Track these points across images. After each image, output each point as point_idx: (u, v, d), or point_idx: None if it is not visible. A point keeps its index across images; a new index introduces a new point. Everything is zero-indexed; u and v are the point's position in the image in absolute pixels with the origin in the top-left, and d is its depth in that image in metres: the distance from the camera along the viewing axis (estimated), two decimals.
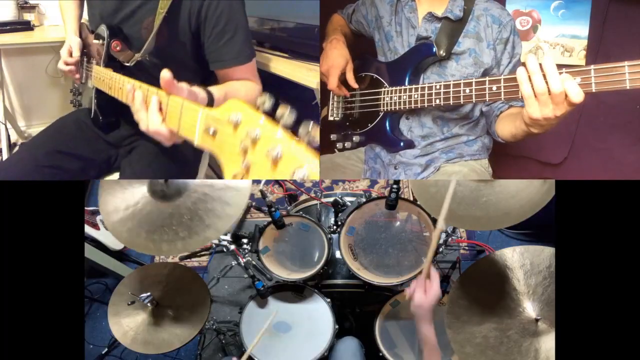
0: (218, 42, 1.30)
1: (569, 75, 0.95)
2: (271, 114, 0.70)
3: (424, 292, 1.08)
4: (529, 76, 0.97)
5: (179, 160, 1.50)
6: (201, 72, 1.42)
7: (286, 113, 0.67)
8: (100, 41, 1.34)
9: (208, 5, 1.26)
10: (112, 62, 1.34)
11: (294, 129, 0.67)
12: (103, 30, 1.32)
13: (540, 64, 0.96)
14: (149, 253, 1.97)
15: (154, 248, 1.16)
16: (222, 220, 1.16)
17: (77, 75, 1.54)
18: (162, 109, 0.94)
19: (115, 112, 1.48)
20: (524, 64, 0.99)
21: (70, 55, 1.48)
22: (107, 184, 1.25)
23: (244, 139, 0.71)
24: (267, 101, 0.71)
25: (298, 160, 0.64)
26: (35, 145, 1.48)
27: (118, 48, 1.31)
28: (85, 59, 1.51)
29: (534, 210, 1.03)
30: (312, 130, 0.64)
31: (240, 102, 0.74)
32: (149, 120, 0.95)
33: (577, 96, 0.94)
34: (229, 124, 0.73)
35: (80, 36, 1.54)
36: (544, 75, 0.96)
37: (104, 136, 1.51)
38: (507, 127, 1.32)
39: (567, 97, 0.95)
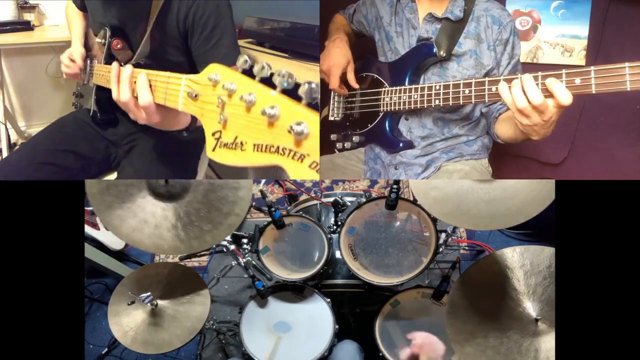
0: (205, 46, 1.31)
1: (555, 79, 0.96)
2: (250, 74, 0.71)
3: None
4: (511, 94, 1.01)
5: (179, 160, 1.51)
6: (196, 72, 1.43)
7: (264, 67, 0.68)
8: (102, 40, 1.35)
9: (195, 10, 1.27)
10: (112, 60, 1.35)
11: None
12: (106, 29, 1.34)
13: (521, 79, 1.00)
14: (180, 254, 1.96)
15: (184, 248, 1.18)
16: (238, 205, 1.19)
17: (80, 78, 1.55)
18: (151, 86, 0.96)
19: (113, 108, 1.49)
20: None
21: (71, 61, 1.49)
22: (98, 194, 1.23)
23: (221, 93, 0.72)
24: (247, 61, 0.72)
25: (271, 101, 0.64)
26: (35, 143, 1.48)
27: (119, 46, 1.32)
28: (89, 61, 1.52)
29: (535, 212, 1.03)
30: (286, 75, 0.64)
31: (219, 65, 0.75)
32: (140, 96, 0.96)
33: (566, 98, 0.95)
34: (209, 84, 0.75)
35: (87, 40, 1.55)
36: (524, 91, 0.98)
37: (103, 133, 1.52)
38: (508, 131, 1.32)
39: (555, 100, 0.96)
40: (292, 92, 0.65)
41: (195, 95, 0.79)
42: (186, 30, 1.30)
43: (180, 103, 0.84)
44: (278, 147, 0.64)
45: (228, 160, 0.72)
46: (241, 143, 0.69)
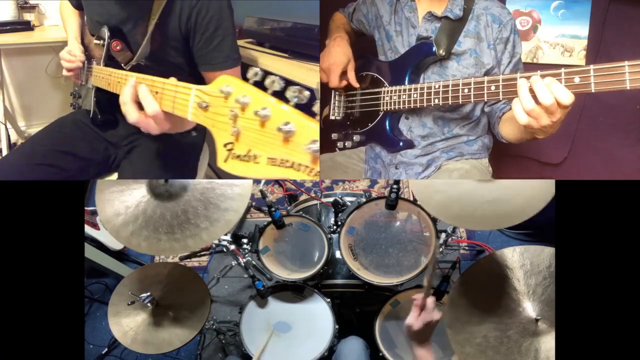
0: (207, 47, 1.32)
1: (553, 79, 0.95)
2: (261, 86, 0.72)
3: (418, 314, 1.11)
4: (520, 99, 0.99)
5: (179, 160, 1.51)
6: (195, 73, 1.43)
7: (275, 80, 0.69)
8: (101, 41, 1.35)
9: (197, 12, 1.27)
10: (112, 62, 1.35)
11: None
12: (104, 31, 1.34)
13: (528, 79, 0.98)
14: (176, 254, 1.96)
15: (179, 247, 1.17)
16: (236, 202, 1.18)
17: (78, 77, 1.55)
18: (157, 93, 0.96)
19: (113, 110, 1.49)
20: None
21: (72, 56, 1.49)
22: (102, 194, 1.23)
23: (233, 106, 0.73)
24: (258, 73, 0.73)
25: (285, 117, 0.65)
26: (33, 144, 1.48)
27: (118, 47, 1.32)
28: (86, 62, 1.52)
29: (534, 211, 1.03)
30: (299, 92, 0.65)
31: (230, 77, 0.76)
32: (147, 106, 0.96)
33: (566, 98, 0.93)
34: (220, 96, 0.75)
35: (83, 40, 1.55)
36: (531, 90, 0.96)
37: (103, 135, 1.51)
38: (512, 131, 1.32)
39: (556, 100, 0.94)
40: (304, 105, 0.67)
41: (206, 106, 0.79)
42: (188, 31, 1.30)
43: (190, 113, 0.85)
44: (293, 163, 0.65)
45: (240, 172, 0.73)
46: (254, 156, 0.70)
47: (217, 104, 0.77)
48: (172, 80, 0.94)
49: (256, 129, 0.69)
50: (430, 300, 1.10)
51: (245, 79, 0.75)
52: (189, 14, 1.27)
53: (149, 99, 0.95)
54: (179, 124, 1.03)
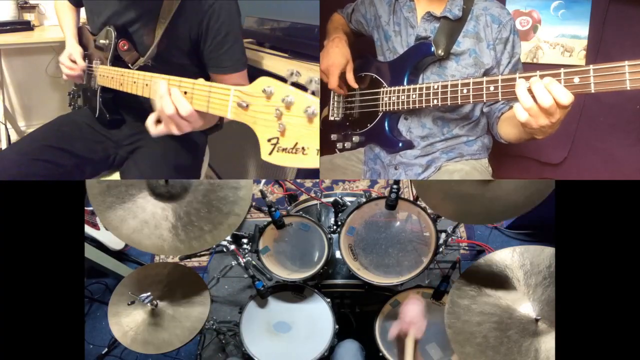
0: (218, 51, 1.33)
1: (552, 79, 0.95)
2: (297, 85, 0.80)
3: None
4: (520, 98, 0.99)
5: (183, 160, 1.51)
6: (200, 75, 1.43)
7: (313, 80, 0.79)
8: (107, 41, 1.35)
9: (209, 16, 1.29)
10: (118, 62, 1.35)
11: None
12: (110, 30, 1.34)
13: (527, 79, 0.98)
14: (181, 254, 1.96)
15: (184, 248, 1.19)
16: (238, 205, 1.21)
17: (80, 78, 1.55)
18: (186, 93, 1.00)
19: (119, 109, 1.50)
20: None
21: (73, 62, 1.50)
22: (99, 195, 1.22)
23: (278, 105, 0.79)
24: (294, 74, 0.81)
25: None
26: (31, 140, 1.48)
27: (125, 47, 1.33)
28: (87, 61, 1.52)
29: (533, 204, 1.03)
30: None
31: (269, 78, 0.82)
32: (180, 107, 0.99)
33: (565, 98, 0.93)
34: (262, 95, 0.82)
35: (81, 39, 1.55)
36: (530, 90, 0.96)
37: (106, 133, 1.52)
38: (511, 131, 1.32)
39: (555, 101, 0.94)
40: None
41: (246, 105, 0.85)
42: (199, 34, 1.31)
43: (229, 112, 0.89)
44: None
45: (287, 163, 0.80)
46: (303, 148, 0.78)
47: (259, 103, 0.83)
48: (201, 80, 0.97)
49: (303, 124, 0.77)
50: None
51: (283, 79, 0.82)
52: (201, 18, 1.28)
53: (182, 101, 0.98)
54: (207, 121, 1.06)
